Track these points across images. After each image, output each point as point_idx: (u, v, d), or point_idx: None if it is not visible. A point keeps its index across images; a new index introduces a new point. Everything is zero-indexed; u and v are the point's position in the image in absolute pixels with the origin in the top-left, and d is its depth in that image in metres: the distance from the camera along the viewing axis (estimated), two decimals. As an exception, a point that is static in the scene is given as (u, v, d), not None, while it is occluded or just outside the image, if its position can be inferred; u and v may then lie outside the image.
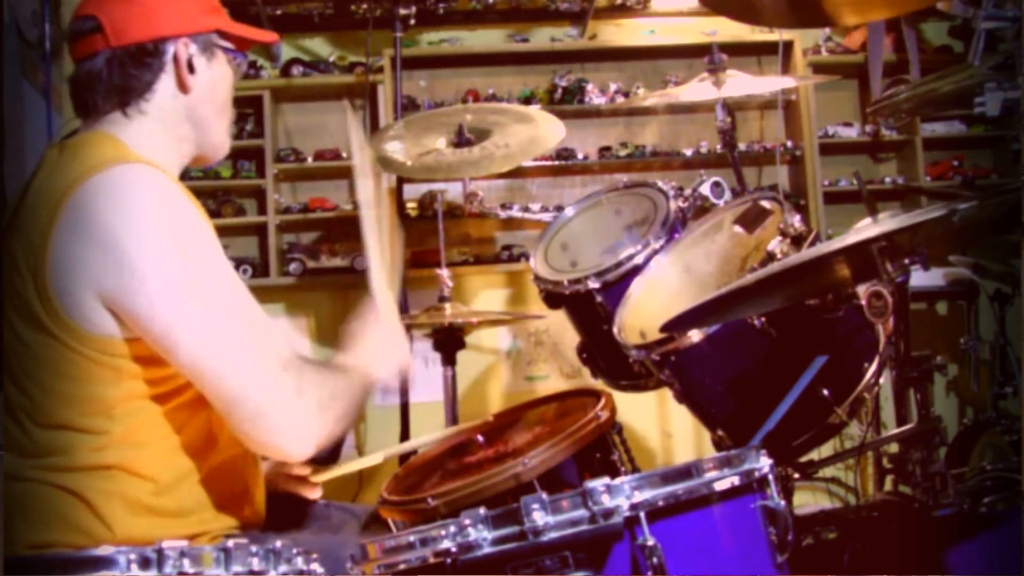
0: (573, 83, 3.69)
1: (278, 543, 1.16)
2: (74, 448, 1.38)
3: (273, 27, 3.52)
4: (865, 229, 1.44)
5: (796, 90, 3.68)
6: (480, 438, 1.82)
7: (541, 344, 3.76)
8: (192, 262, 1.40)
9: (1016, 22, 1.51)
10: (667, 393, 1.97)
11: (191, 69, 1.54)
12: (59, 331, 1.36)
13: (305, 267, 3.58)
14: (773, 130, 3.81)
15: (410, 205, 3.55)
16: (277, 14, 3.60)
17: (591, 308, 2.14)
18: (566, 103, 3.66)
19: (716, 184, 2.29)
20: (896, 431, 2.05)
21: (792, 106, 3.76)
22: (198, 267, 1.40)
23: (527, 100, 3.66)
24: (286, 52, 3.66)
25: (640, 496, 1.18)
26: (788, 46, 3.64)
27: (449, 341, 2.79)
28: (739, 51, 3.58)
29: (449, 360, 2.80)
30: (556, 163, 3.69)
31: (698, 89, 2.72)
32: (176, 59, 1.53)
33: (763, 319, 1.78)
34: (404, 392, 3.21)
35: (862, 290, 1.77)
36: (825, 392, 1.78)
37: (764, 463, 1.30)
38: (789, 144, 3.72)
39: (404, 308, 2.98)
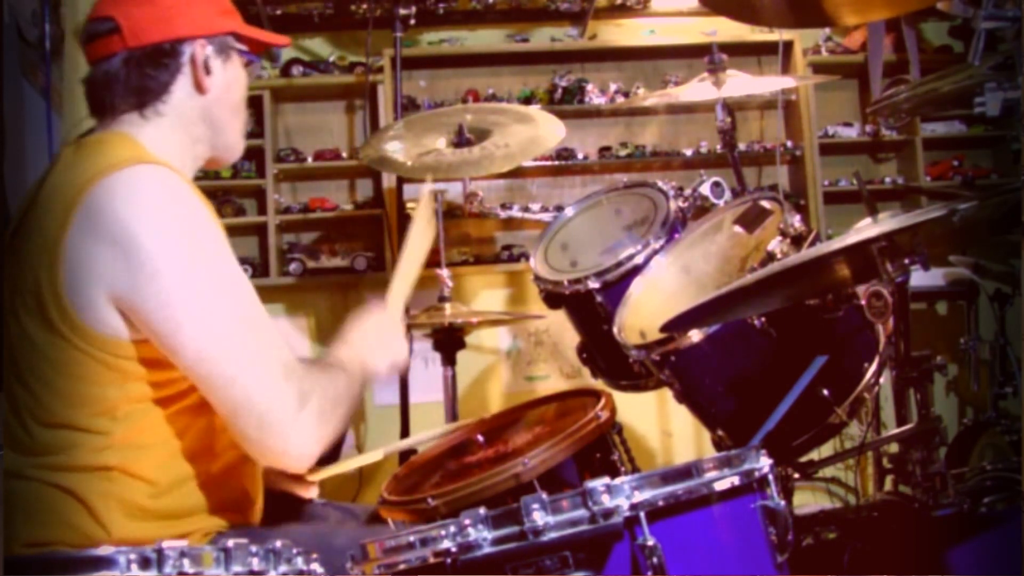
0: (573, 83, 3.69)
1: (278, 543, 1.16)
2: (75, 448, 1.39)
3: (273, 27, 3.53)
4: (865, 229, 1.44)
5: (796, 90, 3.68)
6: (480, 438, 1.81)
7: (541, 344, 3.77)
8: (203, 265, 1.40)
9: (1016, 22, 1.51)
10: (667, 393, 1.97)
11: (207, 70, 1.55)
12: (68, 330, 1.37)
13: (305, 267, 3.58)
14: (773, 130, 3.81)
15: (410, 205, 3.55)
16: (277, 14, 3.60)
17: (591, 308, 2.14)
18: (566, 103, 3.66)
19: (716, 184, 2.29)
20: (896, 431, 2.04)
21: (792, 106, 3.76)
22: (208, 270, 1.41)
23: (527, 100, 3.66)
24: (286, 52, 3.66)
25: (640, 496, 1.18)
26: (788, 46, 3.64)
27: (449, 341, 2.79)
28: (739, 51, 3.58)
29: (449, 360, 2.80)
30: (556, 163, 3.69)
31: (698, 89, 2.72)
32: (193, 60, 1.54)
33: (763, 319, 1.78)
34: (404, 392, 3.21)
35: (862, 290, 1.78)
36: (825, 392, 1.78)
37: (764, 463, 1.29)
38: (789, 144, 3.72)
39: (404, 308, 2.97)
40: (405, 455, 2.13)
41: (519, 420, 1.88)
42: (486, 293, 3.76)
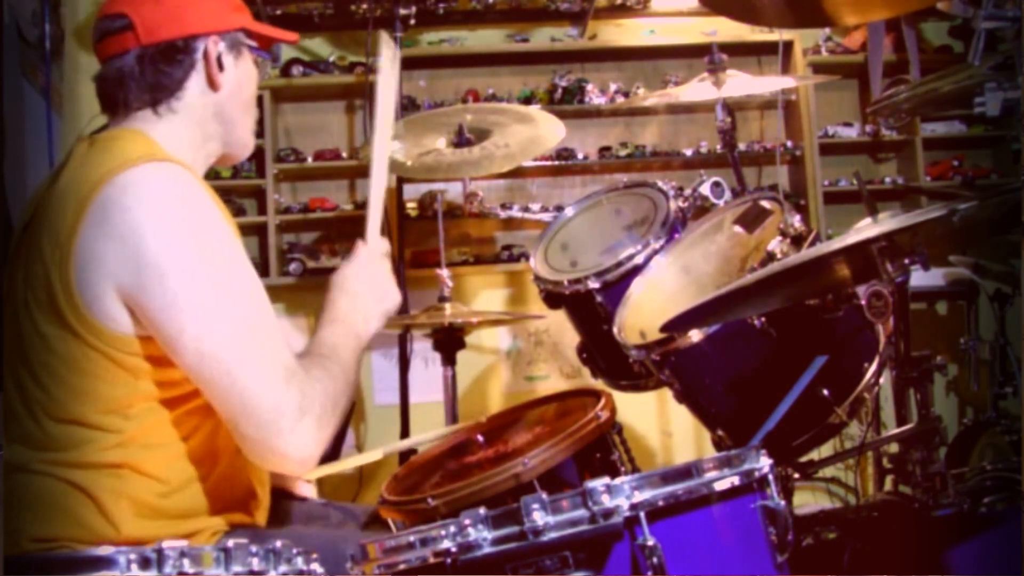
0: (573, 83, 3.69)
1: (278, 543, 1.16)
2: (86, 444, 1.39)
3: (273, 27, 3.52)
4: (865, 229, 1.44)
5: (796, 90, 3.68)
6: (480, 438, 1.81)
7: (541, 344, 3.76)
8: (211, 265, 1.40)
9: (1016, 22, 1.51)
10: (667, 393, 1.97)
11: (220, 67, 1.55)
12: (78, 325, 1.37)
13: (305, 267, 3.58)
14: (773, 130, 3.81)
15: (410, 205, 3.56)
16: (277, 14, 3.60)
17: (591, 308, 2.14)
18: (566, 103, 3.66)
19: (716, 184, 2.29)
20: (896, 431, 2.05)
21: (792, 106, 3.76)
22: (216, 270, 1.41)
23: (527, 100, 3.66)
24: (286, 52, 3.66)
25: (640, 496, 1.18)
26: (788, 46, 3.64)
27: (449, 341, 2.79)
28: (739, 51, 3.58)
29: (449, 360, 2.80)
30: (556, 163, 3.68)
31: (698, 89, 2.72)
32: (206, 57, 1.54)
33: (763, 319, 1.78)
34: (404, 392, 3.22)
35: (862, 290, 1.78)
36: (825, 392, 1.77)
37: (764, 463, 1.29)
38: (789, 144, 3.72)
39: (404, 308, 2.98)
40: (405, 455, 2.13)
41: (519, 420, 1.88)
42: (486, 293, 3.76)
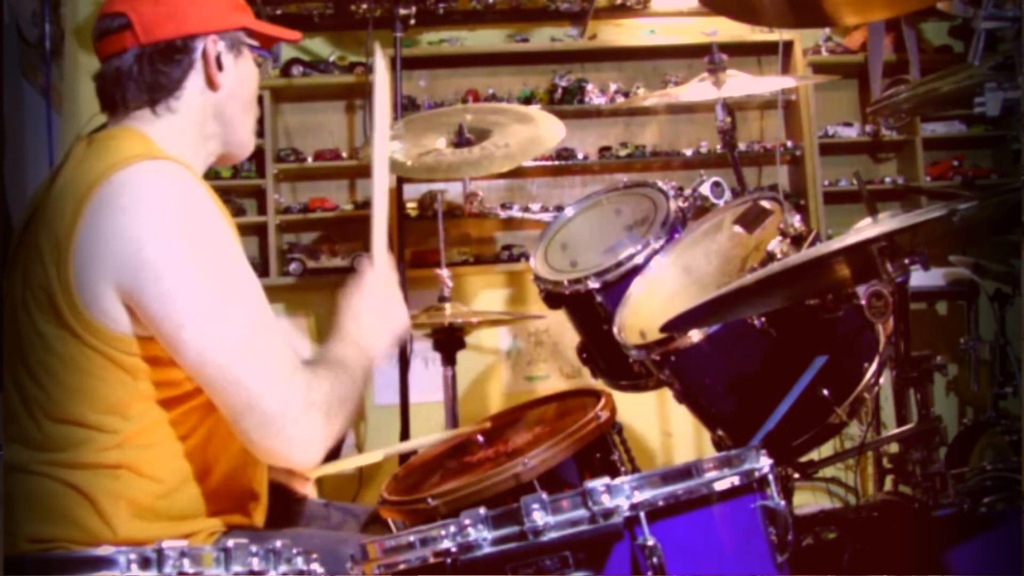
0: (573, 83, 3.69)
1: (278, 543, 1.15)
2: (84, 445, 1.38)
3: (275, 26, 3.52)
4: (865, 229, 1.44)
5: (796, 90, 3.68)
6: (480, 438, 1.82)
7: (541, 344, 3.76)
8: (210, 263, 1.40)
9: (1016, 22, 1.51)
10: (667, 393, 1.97)
11: (219, 66, 1.55)
12: (77, 325, 1.37)
13: (305, 267, 3.58)
14: (773, 130, 3.81)
15: (410, 205, 3.55)
16: (277, 14, 3.60)
17: (591, 308, 2.14)
18: (566, 103, 3.66)
19: (716, 184, 2.29)
20: (896, 431, 2.04)
21: (792, 106, 3.76)
22: (215, 269, 1.40)
23: (527, 100, 3.66)
24: (286, 52, 3.66)
25: (640, 496, 1.18)
26: (788, 46, 3.64)
27: (449, 341, 2.79)
28: (739, 51, 3.57)
29: (449, 360, 2.80)
30: (556, 163, 3.68)
31: (698, 89, 2.72)
32: (205, 56, 1.54)
33: (763, 319, 1.78)
34: (404, 392, 3.21)
35: (862, 290, 1.77)
36: (825, 392, 1.78)
37: (764, 463, 1.29)
38: (789, 144, 3.72)
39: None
40: (405, 456, 2.13)
41: (519, 420, 1.88)
42: (486, 293, 3.76)
